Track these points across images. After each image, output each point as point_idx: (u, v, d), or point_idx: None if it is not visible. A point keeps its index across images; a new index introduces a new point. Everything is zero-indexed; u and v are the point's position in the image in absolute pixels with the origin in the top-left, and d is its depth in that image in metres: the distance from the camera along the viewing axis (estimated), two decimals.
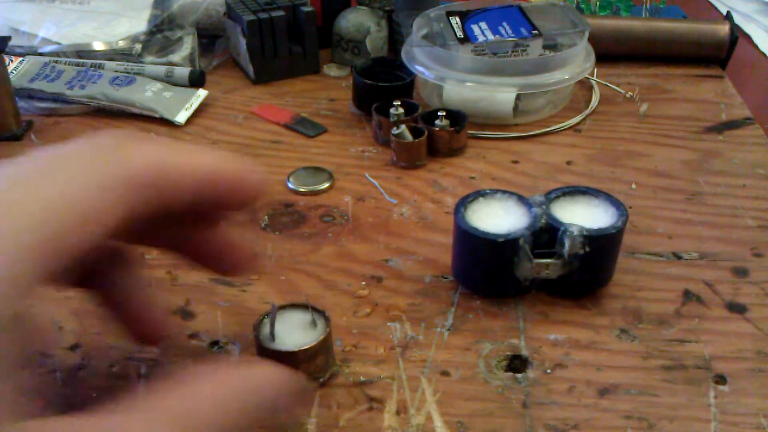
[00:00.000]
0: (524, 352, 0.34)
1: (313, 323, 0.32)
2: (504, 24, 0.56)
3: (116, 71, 0.59)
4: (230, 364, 0.27)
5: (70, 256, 0.22)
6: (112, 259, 0.29)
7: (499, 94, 0.53)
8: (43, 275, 0.21)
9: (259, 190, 0.28)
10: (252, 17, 0.59)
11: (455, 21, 0.56)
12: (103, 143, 0.24)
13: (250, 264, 0.31)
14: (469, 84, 0.52)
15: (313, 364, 0.31)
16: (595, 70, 0.60)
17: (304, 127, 0.54)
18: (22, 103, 0.55)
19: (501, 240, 0.35)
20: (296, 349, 0.30)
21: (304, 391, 0.27)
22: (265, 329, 0.31)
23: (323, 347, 0.31)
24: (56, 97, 0.56)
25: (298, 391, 0.26)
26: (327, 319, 0.32)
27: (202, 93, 0.57)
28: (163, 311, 0.31)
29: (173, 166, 0.25)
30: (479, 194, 0.38)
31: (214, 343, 0.35)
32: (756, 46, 0.72)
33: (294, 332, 0.31)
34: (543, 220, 0.36)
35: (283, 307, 0.32)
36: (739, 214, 0.44)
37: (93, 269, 0.28)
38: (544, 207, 0.36)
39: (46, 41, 0.61)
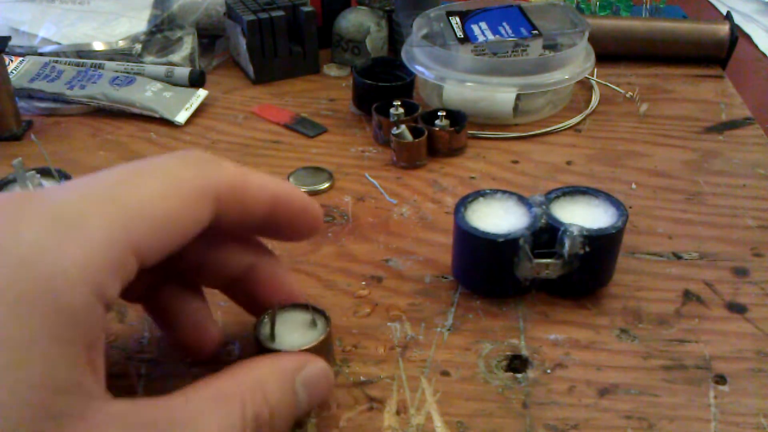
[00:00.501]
0: (524, 352, 0.34)
1: (314, 323, 0.32)
2: (504, 24, 0.56)
3: (116, 71, 0.59)
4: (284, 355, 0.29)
5: (148, 256, 0.24)
6: (175, 275, 0.31)
7: (499, 94, 0.53)
8: (126, 269, 0.23)
9: (321, 222, 0.31)
10: (252, 17, 0.59)
11: (455, 21, 0.56)
12: (190, 156, 0.26)
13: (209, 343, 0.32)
14: (469, 84, 0.52)
15: None
16: (595, 70, 0.60)
17: (304, 127, 0.54)
18: (22, 103, 0.55)
19: (501, 240, 0.35)
20: (297, 349, 0.30)
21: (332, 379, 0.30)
22: (266, 329, 0.31)
23: (324, 347, 0.31)
24: (56, 97, 0.56)
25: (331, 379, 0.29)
26: (327, 319, 0.32)
27: (202, 93, 0.57)
28: (217, 329, 0.32)
29: (254, 183, 0.27)
30: (479, 194, 0.38)
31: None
32: (756, 46, 0.72)
33: (294, 332, 0.31)
34: (543, 220, 0.36)
35: (283, 307, 0.32)
36: (739, 214, 0.44)
37: (156, 283, 0.31)
38: (544, 207, 0.36)
39: (46, 41, 0.61)
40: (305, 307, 0.32)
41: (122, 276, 0.23)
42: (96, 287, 0.21)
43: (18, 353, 0.20)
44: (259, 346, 0.31)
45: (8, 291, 0.20)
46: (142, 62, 0.60)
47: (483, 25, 0.56)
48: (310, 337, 0.31)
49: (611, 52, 0.64)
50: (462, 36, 0.54)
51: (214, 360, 0.33)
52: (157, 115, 0.55)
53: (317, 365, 0.28)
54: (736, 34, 0.63)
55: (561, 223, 0.35)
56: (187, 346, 0.32)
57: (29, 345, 0.20)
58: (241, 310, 0.37)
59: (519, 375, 0.33)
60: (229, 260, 0.31)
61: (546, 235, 0.36)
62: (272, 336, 0.31)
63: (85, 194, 0.23)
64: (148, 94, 0.56)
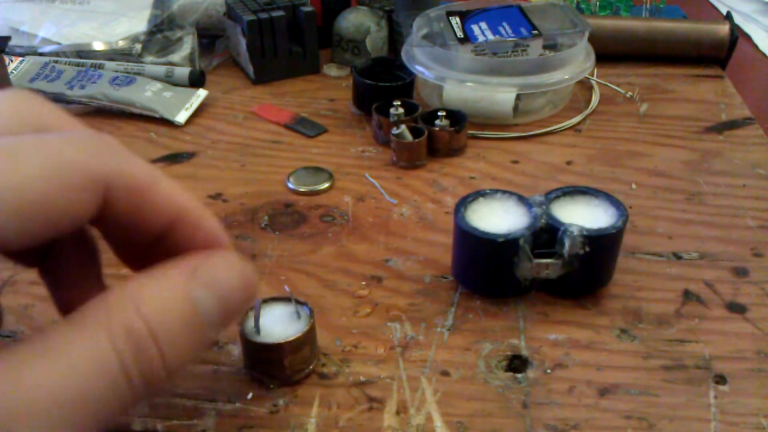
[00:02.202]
0: (524, 352, 0.34)
1: (297, 315, 0.32)
2: (504, 24, 0.56)
3: (116, 71, 0.59)
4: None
5: (9, 243, 0.20)
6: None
7: (499, 94, 0.53)
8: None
9: (222, 242, 0.25)
10: (252, 17, 0.59)
11: (455, 21, 0.56)
12: (85, 137, 0.22)
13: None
14: (469, 84, 0.52)
15: (299, 355, 0.31)
16: (595, 70, 0.60)
17: (304, 127, 0.54)
18: None
19: (501, 240, 0.35)
20: (283, 341, 0.31)
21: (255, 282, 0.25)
22: (250, 323, 0.32)
23: (308, 338, 0.32)
24: (56, 97, 0.56)
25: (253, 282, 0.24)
26: (310, 310, 0.32)
27: (202, 93, 0.57)
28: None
29: (161, 190, 0.23)
30: (479, 194, 0.38)
31: (214, 343, 0.35)
32: (756, 46, 0.72)
33: (278, 325, 0.32)
34: (543, 220, 0.36)
35: (266, 301, 0.33)
36: (739, 214, 0.44)
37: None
38: (544, 207, 0.36)
39: (46, 41, 0.61)
40: (288, 299, 0.33)
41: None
42: None
43: None
44: (245, 341, 0.31)
45: None
46: (142, 62, 0.60)
47: (483, 25, 0.56)
48: (294, 328, 0.31)
49: (611, 52, 0.64)
50: (462, 36, 0.54)
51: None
52: (157, 115, 0.55)
53: (222, 260, 0.23)
54: (736, 34, 0.63)
55: (561, 223, 0.35)
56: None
57: None
58: None
59: (519, 375, 0.33)
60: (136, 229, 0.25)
61: (546, 235, 0.36)
62: (257, 329, 0.31)
63: None
64: (148, 94, 0.56)
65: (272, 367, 0.32)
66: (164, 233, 0.24)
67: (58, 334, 0.20)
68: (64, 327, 0.21)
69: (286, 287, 0.36)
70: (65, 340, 0.20)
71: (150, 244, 0.25)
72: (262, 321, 0.32)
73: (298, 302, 0.33)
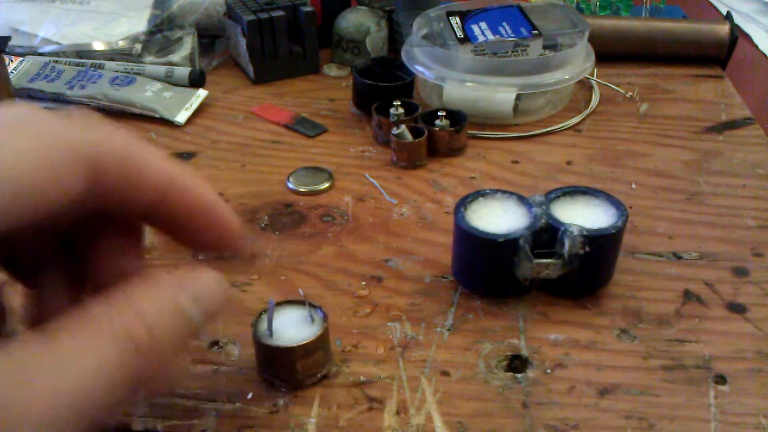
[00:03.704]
0: (524, 352, 0.34)
1: (310, 319, 0.32)
2: (504, 24, 0.56)
3: (116, 71, 0.59)
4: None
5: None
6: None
7: (499, 94, 0.53)
8: None
9: (231, 230, 0.26)
10: (252, 17, 0.59)
11: (455, 21, 0.56)
12: (74, 116, 0.23)
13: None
14: (469, 84, 0.52)
15: (311, 360, 0.31)
16: (595, 70, 0.60)
17: (304, 127, 0.54)
18: None
19: (501, 240, 0.35)
20: (294, 345, 0.30)
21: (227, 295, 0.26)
22: (263, 326, 0.32)
23: (321, 342, 0.31)
24: (56, 97, 0.56)
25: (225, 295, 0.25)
26: (324, 315, 0.32)
27: (202, 93, 0.57)
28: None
29: (147, 159, 0.23)
30: (479, 194, 0.38)
31: (215, 343, 0.35)
32: (756, 46, 0.72)
33: (291, 328, 0.32)
34: (543, 220, 0.36)
35: (279, 304, 0.33)
36: (739, 214, 0.44)
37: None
38: (544, 207, 0.36)
39: (46, 41, 0.61)
40: (302, 303, 0.33)
41: None
42: None
43: None
44: (257, 343, 0.31)
45: None
46: (142, 62, 0.60)
47: (483, 25, 0.56)
48: (307, 332, 0.31)
49: (611, 52, 0.64)
50: (462, 36, 0.54)
51: (214, 361, 0.33)
52: (157, 115, 0.55)
53: (204, 276, 0.25)
54: (736, 34, 0.63)
55: (561, 223, 0.35)
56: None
57: None
58: (242, 310, 0.37)
59: (519, 375, 0.33)
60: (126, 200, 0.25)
61: (546, 235, 0.36)
62: (270, 332, 0.31)
63: None
64: (148, 94, 0.56)
65: (284, 371, 0.31)
66: (158, 205, 0.24)
67: (63, 335, 0.21)
68: (67, 328, 0.21)
69: (300, 291, 0.36)
70: (70, 342, 0.21)
71: (145, 218, 0.25)
72: (276, 324, 0.31)
73: (311, 305, 0.32)
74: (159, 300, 0.23)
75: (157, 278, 0.24)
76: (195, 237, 0.26)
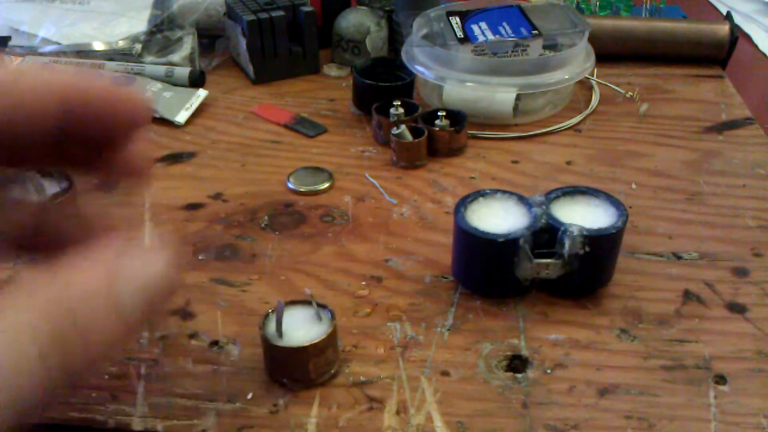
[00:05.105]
0: (524, 352, 0.34)
1: (318, 318, 0.32)
2: (504, 24, 0.56)
3: (116, 71, 0.58)
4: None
5: None
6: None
7: (499, 94, 0.53)
8: None
9: (141, 106, 0.25)
10: (252, 17, 0.59)
11: (455, 21, 0.56)
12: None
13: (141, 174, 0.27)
14: (469, 84, 0.52)
15: (322, 358, 0.31)
16: (595, 70, 0.60)
17: (304, 127, 0.54)
18: None
19: (501, 240, 0.35)
20: (307, 344, 0.31)
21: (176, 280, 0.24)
22: (271, 326, 0.32)
23: (331, 341, 0.32)
24: None
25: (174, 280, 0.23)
26: (332, 313, 0.32)
27: (202, 93, 0.57)
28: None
29: (30, 74, 0.23)
30: (479, 194, 0.38)
31: (214, 343, 0.35)
32: (756, 46, 0.72)
33: (299, 328, 0.32)
34: (543, 220, 0.36)
35: (287, 303, 0.32)
36: (739, 214, 0.44)
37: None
38: (544, 207, 0.36)
39: (46, 41, 0.61)
40: (306, 302, 0.33)
41: None
42: None
43: None
44: (266, 344, 0.31)
45: None
46: (142, 62, 0.60)
47: (483, 25, 0.56)
48: (316, 331, 0.31)
49: (611, 52, 0.64)
50: (462, 36, 0.54)
51: (212, 362, 0.33)
52: (157, 115, 0.55)
53: (151, 257, 0.23)
54: (736, 34, 0.63)
55: (561, 223, 0.35)
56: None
57: None
58: (242, 310, 0.37)
59: (519, 375, 0.33)
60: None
61: (546, 235, 0.36)
62: (279, 333, 0.31)
63: None
64: (147, 95, 0.56)
65: (296, 371, 0.31)
66: (68, 118, 0.24)
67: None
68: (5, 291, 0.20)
69: (306, 290, 0.36)
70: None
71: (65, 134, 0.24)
72: (284, 324, 0.31)
73: (319, 305, 0.32)
74: (90, 279, 0.21)
75: (99, 248, 0.22)
76: (107, 126, 0.25)
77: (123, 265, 0.22)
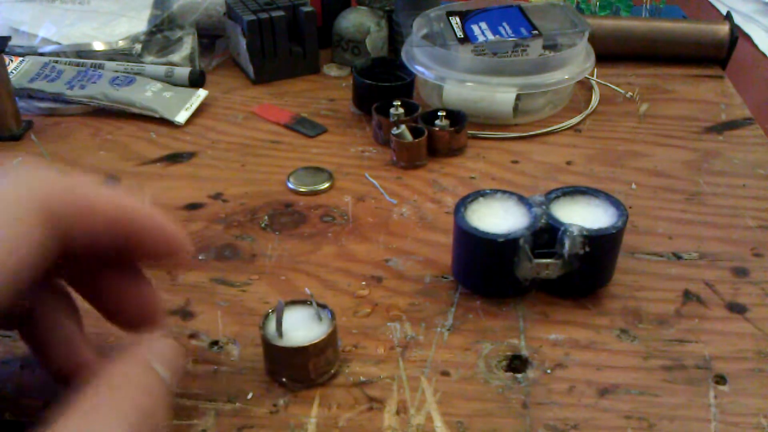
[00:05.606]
0: (524, 352, 0.34)
1: (318, 317, 0.32)
2: (504, 24, 0.56)
3: (116, 71, 0.59)
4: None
5: None
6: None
7: (499, 94, 0.53)
8: None
9: (180, 243, 0.27)
10: (252, 17, 0.59)
11: (455, 21, 0.56)
12: (10, 169, 0.23)
13: (153, 322, 0.29)
14: (469, 84, 0.52)
15: (323, 358, 0.31)
16: (595, 70, 0.60)
17: (304, 127, 0.54)
18: (22, 103, 0.55)
19: (501, 240, 0.35)
20: (307, 344, 0.31)
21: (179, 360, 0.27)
22: (271, 327, 0.32)
23: (331, 341, 0.32)
24: (56, 97, 0.56)
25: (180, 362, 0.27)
26: (332, 313, 0.32)
27: (202, 93, 0.57)
28: (88, 345, 0.29)
29: (93, 192, 0.24)
30: (479, 194, 0.38)
31: (214, 343, 0.35)
32: (756, 46, 0.72)
33: (299, 328, 0.32)
34: (543, 220, 0.36)
35: (286, 303, 0.33)
36: (739, 214, 0.44)
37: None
38: (544, 207, 0.36)
39: (46, 41, 0.61)
40: (306, 302, 0.33)
41: None
42: None
43: None
44: (267, 344, 0.31)
45: None
46: (142, 62, 0.60)
47: (483, 25, 0.56)
48: (316, 331, 0.31)
49: (611, 52, 0.64)
50: (462, 36, 0.54)
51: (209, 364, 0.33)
52: (157, 115, 0.55)
53: (164, 341, 0.26)
54: (736, 34, 0.63)
55: (561, 223, 0.35)
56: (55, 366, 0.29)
57: None
58: (242, 310, 0.37)
59: (519, 375, 0.33)
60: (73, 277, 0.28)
61: (546, 235, 0.36)
62: (279, 333, 0.31)
63: None
64: (148, 94, 0.56)
65: (296, 371, 0.31)
66: (120, 243, 0.26)
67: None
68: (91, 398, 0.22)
69: (306, 290, 0.36)
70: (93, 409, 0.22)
71: (115, 265, 0.27)
72: (284, 324, 0.31)
73: (319, 305, 0.32)
74: (147, 372, 0.25)
75: (131, 348, 0.25)
76: (148, 253, 0.27)
77: (152, 349, 0.26)
